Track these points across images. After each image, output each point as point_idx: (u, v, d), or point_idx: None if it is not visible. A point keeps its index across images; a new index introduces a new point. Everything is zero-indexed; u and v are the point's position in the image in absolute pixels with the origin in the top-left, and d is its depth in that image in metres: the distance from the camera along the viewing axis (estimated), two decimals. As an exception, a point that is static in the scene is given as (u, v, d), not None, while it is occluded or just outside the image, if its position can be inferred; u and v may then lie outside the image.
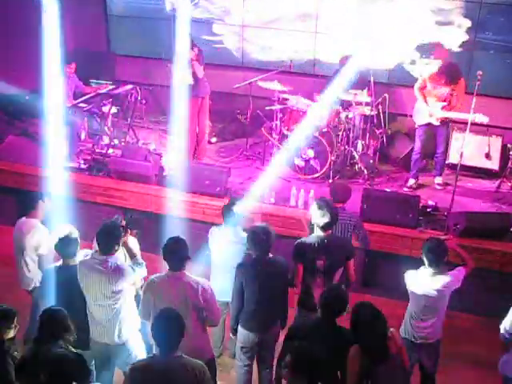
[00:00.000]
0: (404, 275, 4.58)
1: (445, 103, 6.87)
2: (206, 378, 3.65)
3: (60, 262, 4.59)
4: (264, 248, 4.55)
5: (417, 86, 7.08)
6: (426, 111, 6.96)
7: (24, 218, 5.45)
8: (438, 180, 7.42)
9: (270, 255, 4.62)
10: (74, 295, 4.37)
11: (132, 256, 4.56)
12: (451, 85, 6.83)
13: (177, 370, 3.55)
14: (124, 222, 4.81)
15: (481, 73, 6.14)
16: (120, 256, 4.64)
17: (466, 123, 6.46)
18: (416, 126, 7.24)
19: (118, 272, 4.29)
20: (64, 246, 4.54)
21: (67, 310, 3.94)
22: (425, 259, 4.50)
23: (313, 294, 4.68)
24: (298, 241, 4.82)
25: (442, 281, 4.46)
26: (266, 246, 4.56)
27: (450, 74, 6.82)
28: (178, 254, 4.19)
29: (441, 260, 4.47)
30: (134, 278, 4.50)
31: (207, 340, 4.44)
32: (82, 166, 7.59)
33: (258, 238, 4.53)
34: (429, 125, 7.05)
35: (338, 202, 5.18)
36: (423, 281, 4.48)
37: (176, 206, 6.98)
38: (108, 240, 4.35)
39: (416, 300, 4.53)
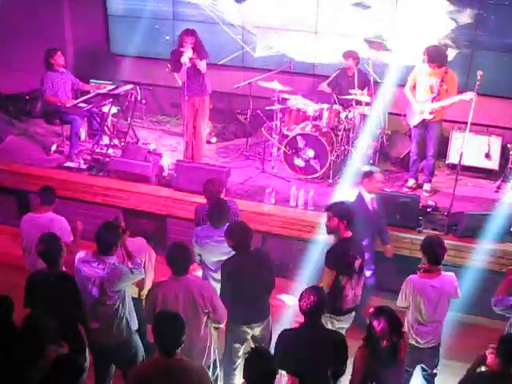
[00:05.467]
0: (406, 280, 4.58)
1: (434, 94, 6.83)
2: (206, 381, 3.65)
3: (45, 268, 4.54)
4: (244, 244, 4.59)
5: (407, 86, 7.08)
6: (417, 109, 6.93)
7: (37, 214, 5.38)
8: (426, 187, 7.28)
9: (251, 248, 4.67)
10: (64, 302, 4.33)
11: (130, 257, 4.55)
12: (437, 66, 6.74)
13: (177, 372, 3.55)
14: (123, 223, 4.81)
15: (481, 73, 6.14)
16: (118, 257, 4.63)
17: (464, 123, 6.46)
18: (410, 128, 7.24)
19: (116, 272, 4.30)
20: (48, 252, 4.47)
21: (58, 315, 3.89)
22: (426, 256, 4.52)
23: (345, 295, 4.76)
24: (333, 246, 4.87)
25: (443, 280, 4.49)
26: (246, 242, 4.59)
27: (437, 54, 6.75)
28: (182, 259, 4.21)
29: (442, 256, 4.51)
30: (132, 279, 4.49)
31: (212, 342, 4.45)
32: (82, 166, 7.58)
33: (237, 234, 4.58)
34: (421, 125, 7.02)
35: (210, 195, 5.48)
36: (427, 284, 4.49)
37: (176, 206, 6.99)
38: (107, 240, 4.35)
39: (418, 303, 4.52)
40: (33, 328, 3.67)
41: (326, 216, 4.91)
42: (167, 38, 9.29)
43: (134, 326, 4.55)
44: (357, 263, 4.77)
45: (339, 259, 4.73)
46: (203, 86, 7.45)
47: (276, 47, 8.95)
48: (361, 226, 5.27)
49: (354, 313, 4.95)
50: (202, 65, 7.28)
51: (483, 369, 3.91)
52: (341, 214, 4.82)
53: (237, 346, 4.77)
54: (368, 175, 5.61)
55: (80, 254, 4.47)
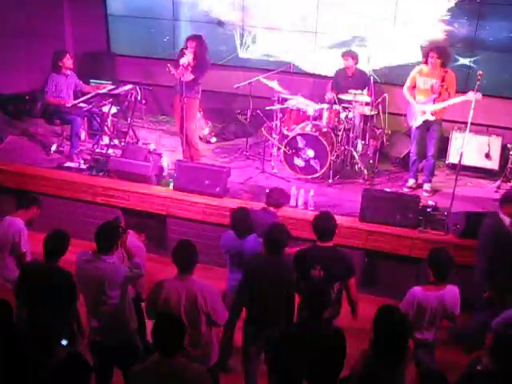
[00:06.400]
0: (409, 290, 4.52)
1: (435, 95, 6.83)
2: (206, 383, 3.65)
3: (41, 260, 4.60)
4: (277, 247, 4.57)
5: (406, 86, 7.09)
6: (418, 110, 6.94)
7: (12, 218, 5.39)
8: (426, 187, 7.28)
9: (281, 253, 4.63)
10: (53, 296, 4.36)
11: (130, 257, 4.55)
12: (440, 66, 6.74)
13: (176, 374, 3.54)
14: (123, 223, 4.80)
15: (481, 73, 6.14)
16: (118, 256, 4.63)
17: (464, 123, 6.47)
18: (411, 128, 7.24)
19: (116, 272, 4.30)
20: (52, 244, 4.53)
21: (46, 307, 3.92)
22: (432, 271, 4.48)
23: None
24: (299, 250, 4.84)
25: (447, 292, 4.48)
26: (280, 245, 4.57)
27: (446, 53, 6.79)
28: (187, 258, 4.21)
29: (449, 273, 4.47)
30: (132, 279, 4.49)
31: (214, 344, 4.46)
32: (82, 166, 7.58)
33: (273, 236, 4.57)
34: (422, 125, 7.02)
35: (272, 206, 5.41)
36: (430, 297, 4.47)
37: (176, 206, 6.99)
38: (106, 240, 4.35)
39: (419, 313, 4.47)
40: (42, 329, 3.66)
41: None
42: (167, 38, 9.30)
43: (135, 325, 4.55)
44: (315, 273, 4.58)
45: (297, 261, 4.70)
46: (192, 88, 7.36)
47: (276, 47, 8.96)
48: (498, 253, 5.14)
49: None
50: (187, 77, 7.19)
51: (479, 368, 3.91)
52: (314, 226, 4.80)
53: (253, 348, 4.73)
54: (509, 200, 5.39)
55: (80, 254, 4.47)
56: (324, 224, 4.75)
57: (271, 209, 5.46)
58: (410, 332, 3.81)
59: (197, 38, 7.25)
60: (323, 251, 4.68)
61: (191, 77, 7.23)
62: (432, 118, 6.90)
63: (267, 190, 5.88)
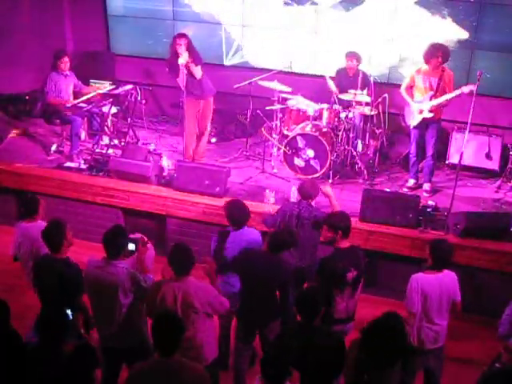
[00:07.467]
0: (411, 278, 4.53)
1: (432, 92, 6.83)
2: (205, 382, 3.64)
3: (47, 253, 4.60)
4: (278, 247, 4.61)
5: (403, 85, 7.08)
6: (416, 109, 6.94)
7: (28, 223, 5.18)
8: (426, 187, 7.29)
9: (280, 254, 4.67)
10: (53, 289, 4.39)
11: (144, 271, 4.47)
12: (441, 63, 6.76)
13: (176, 373, 3.54)
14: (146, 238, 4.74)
15: (481, 72, 6.15)
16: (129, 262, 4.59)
17: (464, 123, 6.47)
18: (410, 128, 7.24)
19: (125, 277, 4.27)
20: (51, 235, 4.53)
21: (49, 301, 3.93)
22: (432, 258, 4.51)
23: (334, 305, 4.65)
24: (324, 257, 4.81)
25: (445, 276, 4.50)
26: (282, 247, 4.62)
27: (448, 51, 6.80)
28: (183, 262, 4.21)
29: (449, 261, 4.51)
30: (142, 287, 4.39)
31: (214, 342, 4.47)
32: (82, 166, 7.58)
33: (281, 237, 4.64)
34: (421, 125, 7.02)
35: (305, 199, 5.39)
36: (431, 280, 4.48)
37: (176, 206, 6.99)
38: (115, 244, 4.33)
39: (424, 301, 4.48)
40: (50, 326, 3.65)
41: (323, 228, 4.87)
42: (167, 38, 9.28)
43: (146, 328, 4.49)
44: (350, 275, 4.61)
45: (327, 270, 4.68)
46: (204, 88, 7.40)
47: (276, 47, 8.96)
48: None
49: (348, 324, 4.78)
50: (197, 71, 7.22)
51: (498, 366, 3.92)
52: (334, 225, 4.74)
53: (242, 345, 4.79)
54: None
55: (90, 261, 4.42)
56: (345, 221, 4.76)
57: (303, 201, 5.42)
58: (404, 340, 3.77)
59: (183, 35, 7.25)
60: (349, 253, 4.70)
61: (199, 69, 7.24)
62: (430, 115, 6.89)
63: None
